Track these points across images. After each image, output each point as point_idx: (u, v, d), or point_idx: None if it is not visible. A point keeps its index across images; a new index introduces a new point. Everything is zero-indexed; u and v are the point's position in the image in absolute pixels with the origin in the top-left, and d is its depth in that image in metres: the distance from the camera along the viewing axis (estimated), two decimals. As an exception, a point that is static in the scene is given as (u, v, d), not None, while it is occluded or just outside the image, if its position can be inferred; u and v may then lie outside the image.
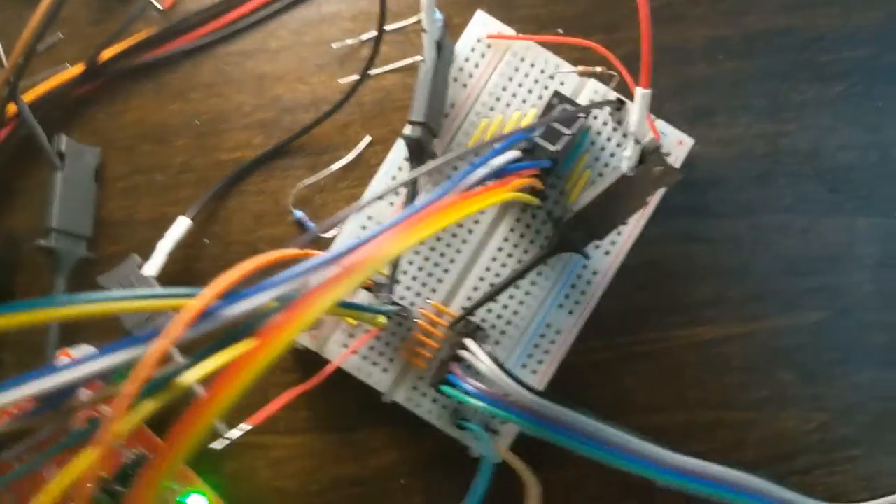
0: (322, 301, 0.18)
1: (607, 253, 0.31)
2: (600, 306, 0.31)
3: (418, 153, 0.29)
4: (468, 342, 0.28)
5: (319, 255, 0.20)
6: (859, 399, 0.32)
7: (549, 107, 0.30)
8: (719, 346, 0.32)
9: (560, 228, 0.29)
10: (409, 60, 0.32)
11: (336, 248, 0.19)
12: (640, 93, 0.27)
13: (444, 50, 0.30)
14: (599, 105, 0.30)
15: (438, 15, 0.32)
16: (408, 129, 0.29)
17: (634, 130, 0.27)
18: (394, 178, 0.31)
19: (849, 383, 0.32)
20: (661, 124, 0.31)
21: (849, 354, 0.32)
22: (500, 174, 0.26)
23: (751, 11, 0.33)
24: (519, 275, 0.29)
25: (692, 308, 0.32)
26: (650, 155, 0.28)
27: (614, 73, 0.30)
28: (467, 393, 0.27)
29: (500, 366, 0.26)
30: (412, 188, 0.29)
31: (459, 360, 0.28)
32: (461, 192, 0.24)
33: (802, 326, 0.32)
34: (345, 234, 0.31)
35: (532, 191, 0.29)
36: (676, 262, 0.32)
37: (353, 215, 0.31)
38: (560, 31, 0.33)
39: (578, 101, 0.31)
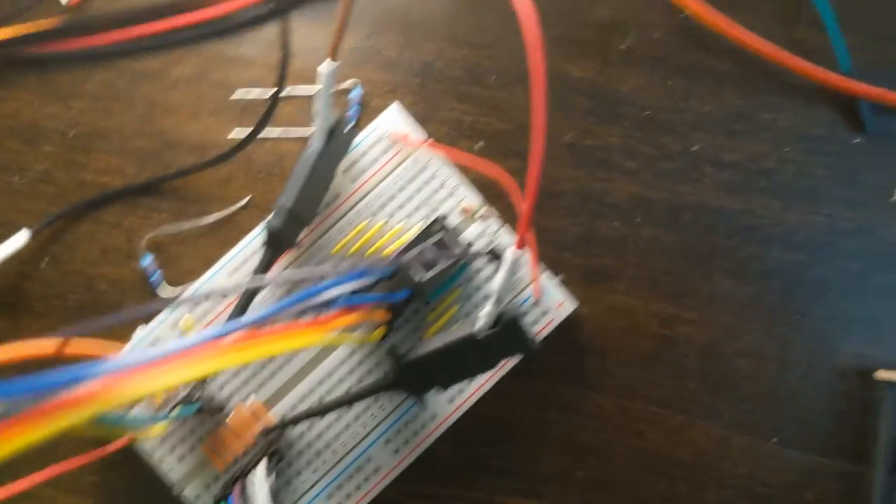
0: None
1: (451, 400, 0.28)
2: (434, 449, 0.29)
3: (276, 243, 0.27)
4: (259, 466, 0.26)
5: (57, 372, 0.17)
6: None
7: (428, 232, 0.27)
8: (547, 528, 0.30)
9: (398, 369, 0.26)
10: (309, 132, 0.30)
11: (83, 367, 0.17)
12: (511, 254, 0.25)
13: (338, 138, 0.28)
14: (469, 255, 0.27)
15: (357, 92, 0.30)
16: (271, 215, 0.27)
17: (497, 291, 0.25)
18: (253, 254, 0.29)
19: None
20: (546, 279, 0.29)
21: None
22: (333, 306, 0.24)
23: (688, 180, 0.31)
24: (348, 400, 0.27)
25: (532, 479, 0.30)
26: (510, 320, 0.26)
27: (491, 218, 0.28)
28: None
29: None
30: (245, 300, 0.26)
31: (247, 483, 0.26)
32: (264, 326, 0.22)
33: (641, 533, 0.30)
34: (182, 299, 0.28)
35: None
36: (529, 425, 0.30)
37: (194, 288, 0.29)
38: (482, 143, 0.30)
39: (467, 232, 0.28)
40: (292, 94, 0.31)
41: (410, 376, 0.27)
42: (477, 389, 0.29)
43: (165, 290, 0.30)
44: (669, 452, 0.30)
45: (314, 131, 0.27)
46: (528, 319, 0.29)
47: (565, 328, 0.30)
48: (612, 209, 0.31)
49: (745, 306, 0.31)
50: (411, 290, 0.27)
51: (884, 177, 0.31)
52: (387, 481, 0.29)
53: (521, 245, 0.25)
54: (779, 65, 0.30)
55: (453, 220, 0.29)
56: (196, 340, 0.19)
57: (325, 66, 0.26)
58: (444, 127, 0.31)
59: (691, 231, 0.31)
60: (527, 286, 0.29)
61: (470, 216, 0.28)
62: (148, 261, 0.30)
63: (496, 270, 0.29)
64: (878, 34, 0.31)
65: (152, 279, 0.30)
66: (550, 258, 0.31)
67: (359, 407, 0.29)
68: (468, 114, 0.31)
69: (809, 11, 0.31)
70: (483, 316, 0.26)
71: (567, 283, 0.30)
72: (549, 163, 0.31)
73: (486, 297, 0.29)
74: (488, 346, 0.26)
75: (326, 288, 0.23)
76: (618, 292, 0.31)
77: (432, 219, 0.28)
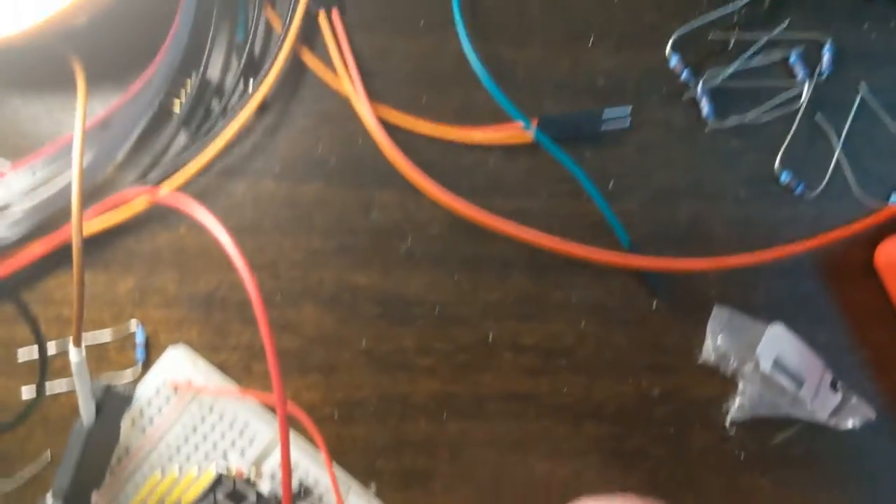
0: None
1: None
2: None
3: (60, 523, 0.27)
4: None
5: None
6: None
7: (220, 481, 0.27)
8: None
9: None
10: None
11: None
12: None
13: (112, 401, 0.28)
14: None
15: (140, 334, 0.30)
16: (49, 496, 0.27)
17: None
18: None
19: None
20: (356, 496, 0.29)
21: None
22: None
23: (487, 369, 0.31)
24: None
25: None
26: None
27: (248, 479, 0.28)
28: None
29: None
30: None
31: None
32: None
33: None
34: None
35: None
36: None
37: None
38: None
39: (261, 474, 0.28)
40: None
41: None
42: None
43: (-23, 561, 0.30)
44: None
45: (80, 406, 0.27)
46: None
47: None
48: (417, 409, 0.31)
49: (565, 486, 0.31)
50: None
51: (685, 337, 0.31)
52: None
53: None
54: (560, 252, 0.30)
55: (245, 466, 0.28)
56: None
57: (74, 355, 0.26)
58: (235, 354, 0.31)
59: (499, 419, 0.31)
60: (331, 513, 0.29)
61: (242, 477, 0.28)
62: (-45, 534, 0.30)
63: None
64: (651, 196, 0.31)
65: (-41, 554, 0.30)
66: (363, 468, 0.31)
67: None
68: (258, 337, 0.31)
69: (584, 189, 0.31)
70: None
71: (382, 491, 0.30)
72: (349, 372, 0.31)
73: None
74: None
75: None
76: (435, 492, 0.31)
77: (216, 474, 0.28)
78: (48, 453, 0.30)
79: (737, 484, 0.31)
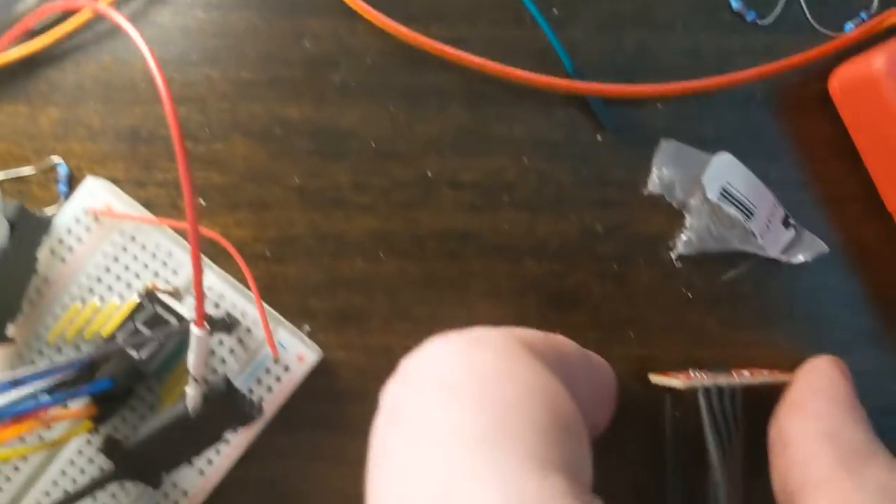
0: None
1: (202, 472, 0.27)
2: (195, 524, 0.27)
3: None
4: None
5: None
6: None
7: (139, 307, 0.26)
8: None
9: (115, 459, 0.25)
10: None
11: None
12: (195, 334, 0.23)
13: (28, 223, 0.26)
14: (184, 327, 0.26)
15: (62, 168, 0.28)
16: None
17: (193, 371, 0.24)
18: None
19: None
20: (284, 335, 0.28)
21: None
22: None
23: (426, 206, 0.29)
24: (73, 498, 0.26)
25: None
26: (218, 396, 0.25)
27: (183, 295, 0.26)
28: None
29: None
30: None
31: None
32: None
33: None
34: None
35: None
36: (296, 481, 0.29)
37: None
38: (202, 201, 0.29)
39: (184, 302, 0.27)
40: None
41: (129, 466, 0.26)
42: (227, 457, 0.28)
43: None
44: (444, 491, 0.29)
45: (-8, 224, 0.26)
46: (269, 379, 0.28)
47: (324, 376, 0.29)
48: (352, 248, 0.30)
49: (504, 325, 0.29)
50: (113, 379, 0.26)
51: (631, 171, 0.30)
52: (141, 570, 0.27)
53: (200, 322, 0.24)
54: (503, 77, 0.29)
55: (169, 289, 0.27)
56: None
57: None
58: (162, 190, 0.29)
59: (438, 258, 0.30)
60: (262, 345, 0.28)
61: (157, 290, 0.27)
62: None
63: (229, 335, 0.28)
64: (596, 24, 0.30)
65: None
66: (296, 307, 0.29)
67: (105, 497, 0.28)
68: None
69: (528, 13, 0.29)
70: (188, 395, 0.25)
71: (317, 330, 0.29)
72: (281, 209, 0.29)
73: (223, 361, 0.27)
74: (204, 423, 0.25)
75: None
76: (372, 331, 0.30)
77: (138, 295, 0.26)
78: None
79: (684, 321, 0.30)
